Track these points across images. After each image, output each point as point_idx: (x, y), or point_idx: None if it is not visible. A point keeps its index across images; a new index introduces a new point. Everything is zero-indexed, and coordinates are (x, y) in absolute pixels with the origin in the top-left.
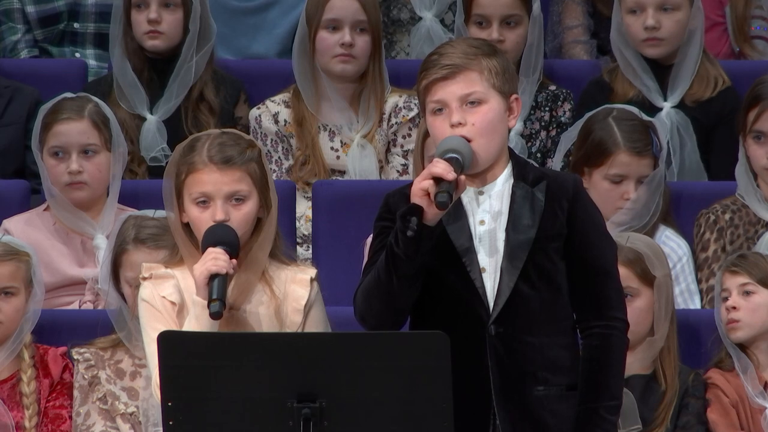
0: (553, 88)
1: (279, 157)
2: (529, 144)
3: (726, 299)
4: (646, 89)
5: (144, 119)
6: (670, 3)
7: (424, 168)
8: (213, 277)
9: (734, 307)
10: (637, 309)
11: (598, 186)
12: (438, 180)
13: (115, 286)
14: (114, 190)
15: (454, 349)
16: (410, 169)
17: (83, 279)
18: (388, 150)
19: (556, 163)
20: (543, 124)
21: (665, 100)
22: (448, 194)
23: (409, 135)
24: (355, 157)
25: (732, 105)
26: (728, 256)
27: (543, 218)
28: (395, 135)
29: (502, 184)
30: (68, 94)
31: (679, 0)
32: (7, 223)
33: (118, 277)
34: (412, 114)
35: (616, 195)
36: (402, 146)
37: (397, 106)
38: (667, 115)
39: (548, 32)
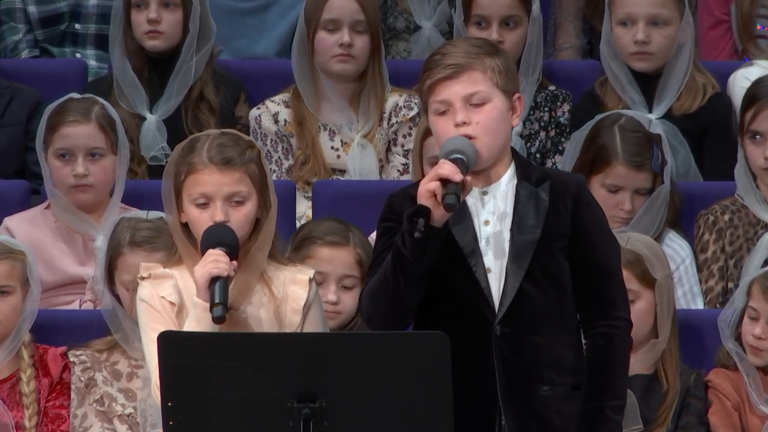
0: (552, 88)
1: (279, 157)
2: (529, 144)
3: (754, 319)
4: (631, 101)
5: (144, 119)
6: (661, 17)
7: (422, 168)
8: (214, 279)
9: (762, 338)
10: (638, 311)
11: (595, 193)
12: (445, 181)
13: (110, 288)
14: (117, 191)
15: (460, 349)
16: (411, 168)
17: (84, 278)
18: (388, 149)
19: (563, 163)
20: (542, 124)
21: (650, 112)
22: (455, 196)
23: (410, 134)
24: (355, 156)
25: (722, 111)
26: (761, 271)
27: (547, 218)
28: (395, 134)
29: (506, 183)
30: (74, 95)
31: (669, 15)
32: (8, 221)
33: (113, 279)
34: (412, 113)
35: (611, 204)
36: (402, 146)
37: (397, 105)
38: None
39: (543, 52)
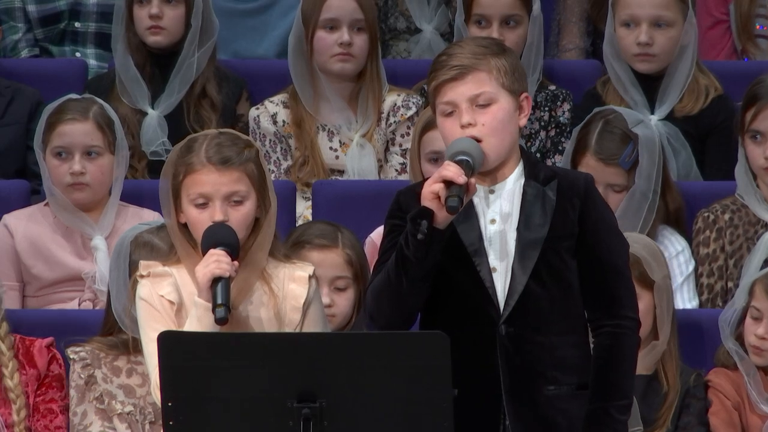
0: (552, 88)
1: (278, 158)
2: (529, 144)
3: (757, 319)
4: (633, 102)
5: (145, 114)
6: (664, 19)
7: (420, 166)
8: (216, 280)
9: (765, 338)
10: None
11: None
12: (448, 183)
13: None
14: (116, 192)
15: (465, 349)
16: (409, 167)
17: (83, 274)
18: (386, 149)
19: (563, 163)
20: (542, 124)
21: (652, 113)
22: (458, 198)
23: (408, 134)
24: (354, 156)
25: (725, 114)
26: (765, 271)
27: (554, 217)
28: (394, 134)
29: (513, 183)
30: (73, 96)
31: (673, 16)
32: (7, 218)
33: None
34: (410, 113)
35: None
36: (401, 145)
37: (395, 105)
38: (654, 128)
39: (546, 53)
